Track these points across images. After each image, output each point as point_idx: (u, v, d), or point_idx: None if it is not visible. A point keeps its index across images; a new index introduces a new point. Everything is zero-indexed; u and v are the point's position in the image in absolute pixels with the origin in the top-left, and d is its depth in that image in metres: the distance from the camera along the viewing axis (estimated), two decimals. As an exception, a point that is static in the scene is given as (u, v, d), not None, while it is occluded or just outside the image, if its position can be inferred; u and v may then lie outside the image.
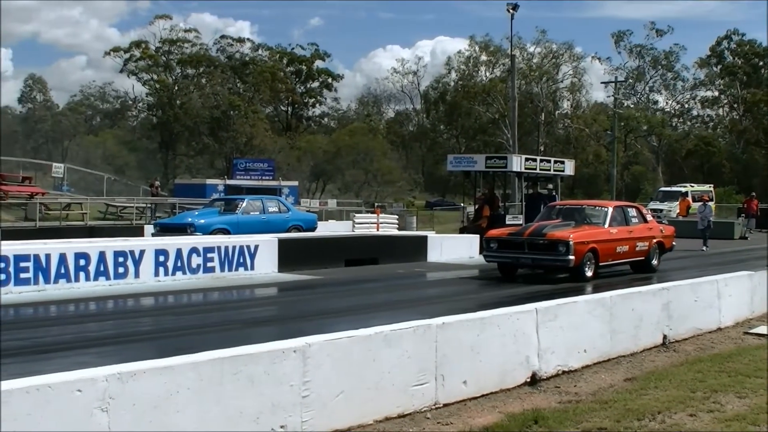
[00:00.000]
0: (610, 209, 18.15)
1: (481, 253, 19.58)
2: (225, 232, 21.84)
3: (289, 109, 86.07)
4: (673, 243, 20.01)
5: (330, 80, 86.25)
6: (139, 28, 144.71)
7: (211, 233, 21.39)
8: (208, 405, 5.50)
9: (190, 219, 23.43)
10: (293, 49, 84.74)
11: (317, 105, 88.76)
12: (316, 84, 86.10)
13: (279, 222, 23.85)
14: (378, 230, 28.49)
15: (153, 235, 22.63)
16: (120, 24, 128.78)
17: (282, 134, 78.41)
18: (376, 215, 31.90)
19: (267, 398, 5.85)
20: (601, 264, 16.96)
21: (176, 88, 75.46)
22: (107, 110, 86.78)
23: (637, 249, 18.11)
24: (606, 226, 17.46)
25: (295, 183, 54.74)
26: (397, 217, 35.43)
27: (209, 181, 49.16)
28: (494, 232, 18.02)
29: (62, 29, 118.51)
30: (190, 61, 75.85)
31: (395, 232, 28.51)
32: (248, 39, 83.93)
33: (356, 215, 33.97)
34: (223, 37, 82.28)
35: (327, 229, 29.14)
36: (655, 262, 18.84)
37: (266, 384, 5.87)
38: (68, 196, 40.26)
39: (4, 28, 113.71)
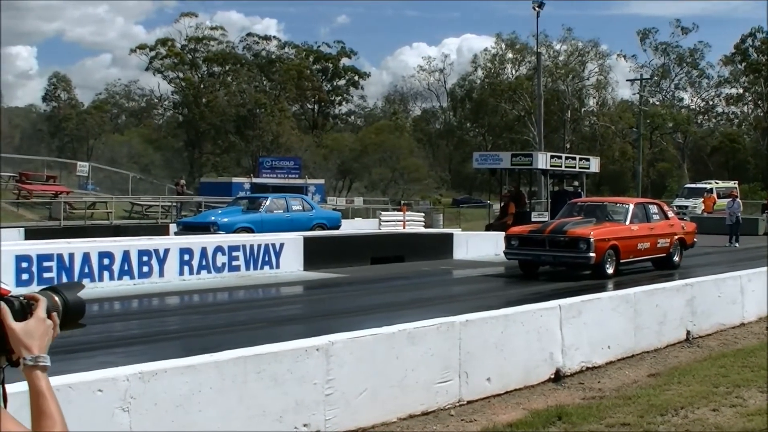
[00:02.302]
0: (631, 206, 18.03)
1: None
2: (248, 230, 21.87)
3: (316, 107, 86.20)
4: (695, 239, 19.79)
5: (356, 78, 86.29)
6: (164, 26, 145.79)
7: (234, 232, 21.42)
8: (231, 404, 5.50)
9: (213, 218, 23.45)
10: (319, 47, 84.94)
11: (344, 103, 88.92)
12: (342, 82, 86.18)
13: (303, 220, 23.77)
14: (404, 228, 28.46)
15: (176, 234, 22.75)
16: (146, 22, 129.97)
17: (308, 132, 78.54)
18: (402, 213, 31.88)
19: (290, 397, 5.86)
20: (622, 261, 16.84)
21: (202, 86, 75.76)
22: (132, 109, 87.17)
23: (659, 246, 17.94)
24: (627, 223, 17.32)
25: (322, 181, 54.76)
26: (423, 214, 35.44)
27: (235, 180, 49.29)
28: (515, 230, 18.02)
29: (87, 27, 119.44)
30: (216, 59, 76.11)
31: (421, 230, 28.50)
32: (274, 37, 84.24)
33: (382, 213, 33.99)
34: (249, 35, 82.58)
35: (353, 227, 29.20)
36: (676, 258, 18.63)
37: (289, 382, 5.86)
38: (93, 195, 40.52)
39: (30, 26, 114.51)
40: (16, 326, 1.93)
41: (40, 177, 40.21)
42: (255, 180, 47.88)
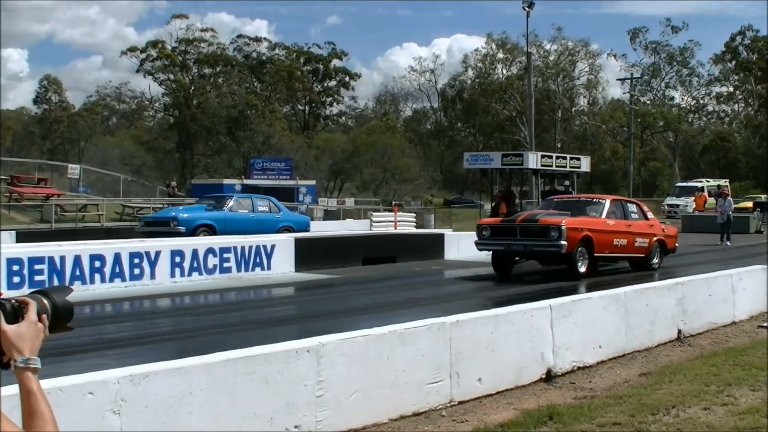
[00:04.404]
0: (608, 201, 17.80)
1: None
2: (210, 228, 21.62)
3: (307, 108, 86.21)
4: (677, 244, 19.35)
5: (347, 79, 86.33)
6: (156, 28, 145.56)
7: (195, 229, 21.27)
8: (221, 406, 5.50)
9: (173, 213, 23.12)
10: (310, 48, 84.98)
11: (335, 104, 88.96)
12: (333, 83, 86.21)
13: (269, 222, 23.37)
14: (396, 228, 28.46)
15: (137, 230, 22.44)
16: (137, 24, 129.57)
17: (299, 133, 78.52)
18: (393, 213, 31.88)
19: (281, 398, 5.85)
20: (596, 255, 16.47)
21: (193, 87, 75.70)
22: (124, 111, 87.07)
23: (637, 245, 17.55)
24: (603, 216, 17.02)
25: (313, 182, 54.71)
26: (414, 215, 35.42)
27: (226, 181, 49.22)
28: (487, 220, 18.03)
29: (78, 29, 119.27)
30: (207, 61, 76.06)
31: (412, 230, 28.51)
32: (265, 38, 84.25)
33: (374, 214, 33.96)
34: (240, 36, 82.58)
35: (345, 227, 29.18)
36: (656, 261, 18.18)
37: (280, 384, 5.86)
38: (84, 197, 40.39)
39: (21, 28, 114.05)
40: (8, 329, 1.97)
41: (32, 179, 40.08)
42: (246, 181, 47.82)
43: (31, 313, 2.01)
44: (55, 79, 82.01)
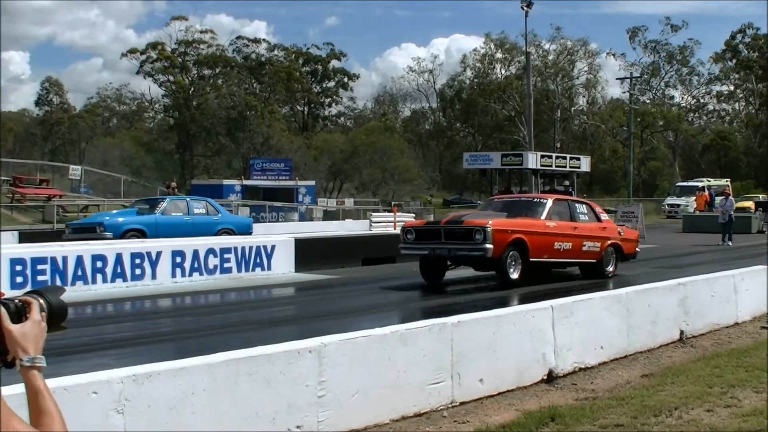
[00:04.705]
0: (550, 201, 16.41)
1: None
2: (140, 233, 20.63)
3: (306, 109, 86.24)
4: (637, 249, 17.97)
5: (346, 80, 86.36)
6: (155, 30, 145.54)
7: (123, 234, 20.28)
8: (224, 406, 5.50)
9: (100, 218, 22.07)
10: (309, 49, 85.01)
11: (333, 104, 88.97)
12: (332, 83, 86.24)
13: (206, 224, 22.21)
14: (395, 229, 28.45)
15: (63, 238, 20.38)
16: (136, 26, 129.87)
17: (299, 134, 78.56)
18: (393, 214, 31.89)
19: (283, 398, 5.85)
20: (532, 260, 15.04)
21: (192, 89, 75.77)
22: (124, 112, 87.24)
23: (585, 249, 16.21)
24: (542, 218, 15.59)
25: (312, 182, 54.75)
26: (414, 215, 35.42)
27: (226, 182, 49.24)
28: (412, 222, 17.02)
29: (78, 31, 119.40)
30: (207, 62, 76.14)
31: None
32: (264, 39, 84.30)
33: (373, 214, 33.99)
34: (239, 37, 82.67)
35: (344, 228, 29.16)
36: (610, 268, 16.81)
37: (282, 384, 5.86)
38: (86, 198, 40.47)
39: (22, 30, 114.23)
40: (13, 328, 1.99)
41: (33, 180, 40.24)
42: (246, 182, 47.85)
43: (35, 312, 2.03)
44: (56, 81, 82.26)
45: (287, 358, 5.96)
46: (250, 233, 23.12)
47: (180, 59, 76.17)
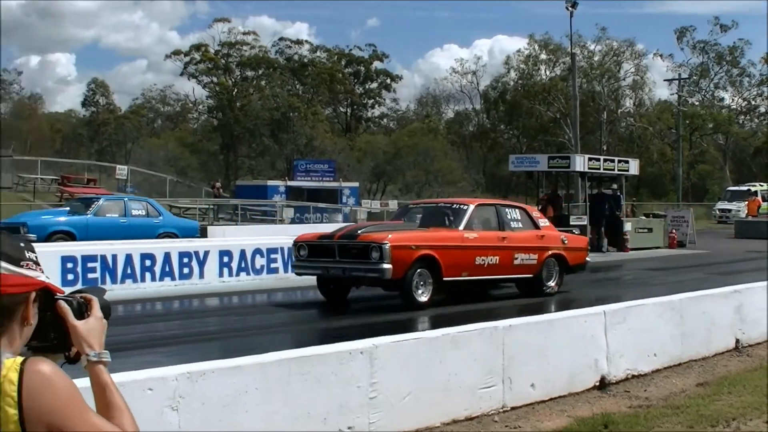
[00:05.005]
0: (471, 207, 13.92)
1: None
2: (69, 235, 19.38)
3: (349, 110, 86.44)
4: (587, 258, 15.63)
5: (388, 81, 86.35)
6: (198, 32, 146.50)
7: (49, 236, 18.95)
8: (276, 405, 5.50)
9: (24, 218, 20.49)
10: (351, 50, 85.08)
11: (376, 106, 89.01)
12: (374, 85, 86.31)
13: (144, 227, 20.67)
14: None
15: None
16: (180, 27, 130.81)
17: (342, 135, 78.76)
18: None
19: (334, 399, 5.84)
20: (446, 279, 12.88)
21: (236, 90, 76.29)
22: (168, 113, 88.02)
23: (518, 263, 14.02)
24: (461, 228, 13.38)
25: (356, 184, 54.82)
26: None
27: (270, 183, 49.45)
28: (305, 236, 14.19)
29: (123, 33, 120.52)
30: (250, 64, 76.57)
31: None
32: (306, 41, 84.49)
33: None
34: (281, 39, 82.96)
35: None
36: (551, 283, 14.54)
37: (334, 385, 5.86)
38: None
39: (67, 33, 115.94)
40: (78, 324, 2.04)
41: (81, 180, 40.85)
42: (290, 183, 48.03)
43: (96, 309, 2.08)
44: (102, 83, 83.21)
45: (339, 359, 5.96)
46: (197, 236, 21.85)
47: (223, 61, 76.70)
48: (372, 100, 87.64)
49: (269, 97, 73.39)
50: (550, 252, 14.46)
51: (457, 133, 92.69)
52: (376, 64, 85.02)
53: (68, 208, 21.50)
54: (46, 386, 1.86)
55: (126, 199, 22.37)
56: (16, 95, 76.11)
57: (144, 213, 21.39)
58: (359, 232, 13.17)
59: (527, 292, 14.33)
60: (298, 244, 13.59)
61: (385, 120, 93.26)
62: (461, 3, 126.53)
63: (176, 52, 78.22)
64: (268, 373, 5.51)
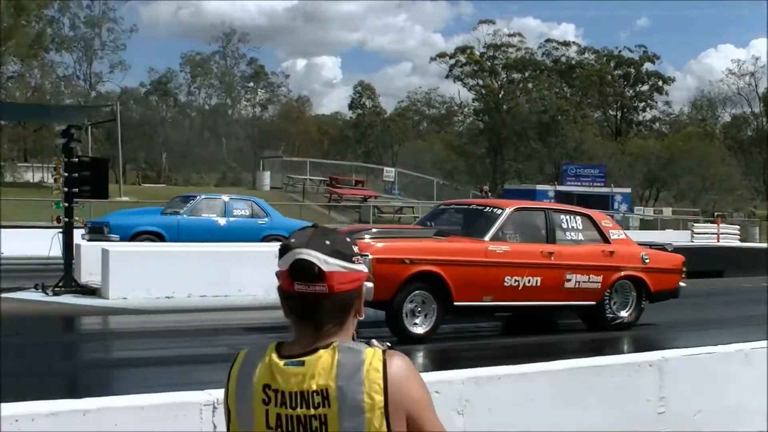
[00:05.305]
0: (507, 211, 11.04)
1: None
2: (157, 236, 18.41)
3: (619, 113, 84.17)
4: (681, 284, 12.26)
5: (660, 83, 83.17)
6: (462, 34, 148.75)
7: (133, 236, 18.07)
8: (560, 414, 5.36)
9: (107, 218, 19.24)
10: (620, 51, 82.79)
11: (648, 109, 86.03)
12: (645, 87, 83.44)
13: (247, 229, 19.25)
14: (719, 241, 26.96)
15: (82, 237, 17.34)
16: (444, 30, 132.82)
17: (611, 139, 76.83)
18: (716, 225, 30.23)
19: (620, 411, 5.63)
20: (459, 304, 10.28)
21: (502, 93, 76.47)
22: (433, 115, 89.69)
23: (570, 286, 11.09)
24: (486, 238, 10.65)
25: (628, 190, 53.16)
26: (738, 227, 33.37)
27: (539, 187, 49.10)
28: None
29: (387, 36, 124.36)
30: (516, 66, 76.49)
31: (737, 243, 26.85)
32: (573, 42, 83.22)
33: (695, 225, 32.50)
34: (548, 40, 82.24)
35: (665, 238, 27.95)
36: (624, 313, 11.65)
37: (620, 396, 5.65)
38: (400, 200, 42.13)
39: (333, 37, 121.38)
40: None
41: (349, 181, 42.61)
42: (559, 188, 47.45)
43: None
44: (368, 85, 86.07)
45: (627, 371, 5.75)
46: None
47: (489, 63, 77.09)
48: (643, 103, 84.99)
49: (536, 100, 73.13)
50: (622, 273, 11.51)
51: (735, 138, 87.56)
52: (647, 66, 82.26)
53: (162, 208, 20.53)
54: (409, 377, 2.00)
55: (227, 198, 20.72)
56: (284, 98, 79.75)
57: (248, 213, 20.03)
58: (352, 237, 11.37)
59: (589, 321, 11.68)
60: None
61: (657, 124, 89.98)
62: (735, 2, 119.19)
63: (441, 55, 79.69)
64: (556, 381, 5.41)
